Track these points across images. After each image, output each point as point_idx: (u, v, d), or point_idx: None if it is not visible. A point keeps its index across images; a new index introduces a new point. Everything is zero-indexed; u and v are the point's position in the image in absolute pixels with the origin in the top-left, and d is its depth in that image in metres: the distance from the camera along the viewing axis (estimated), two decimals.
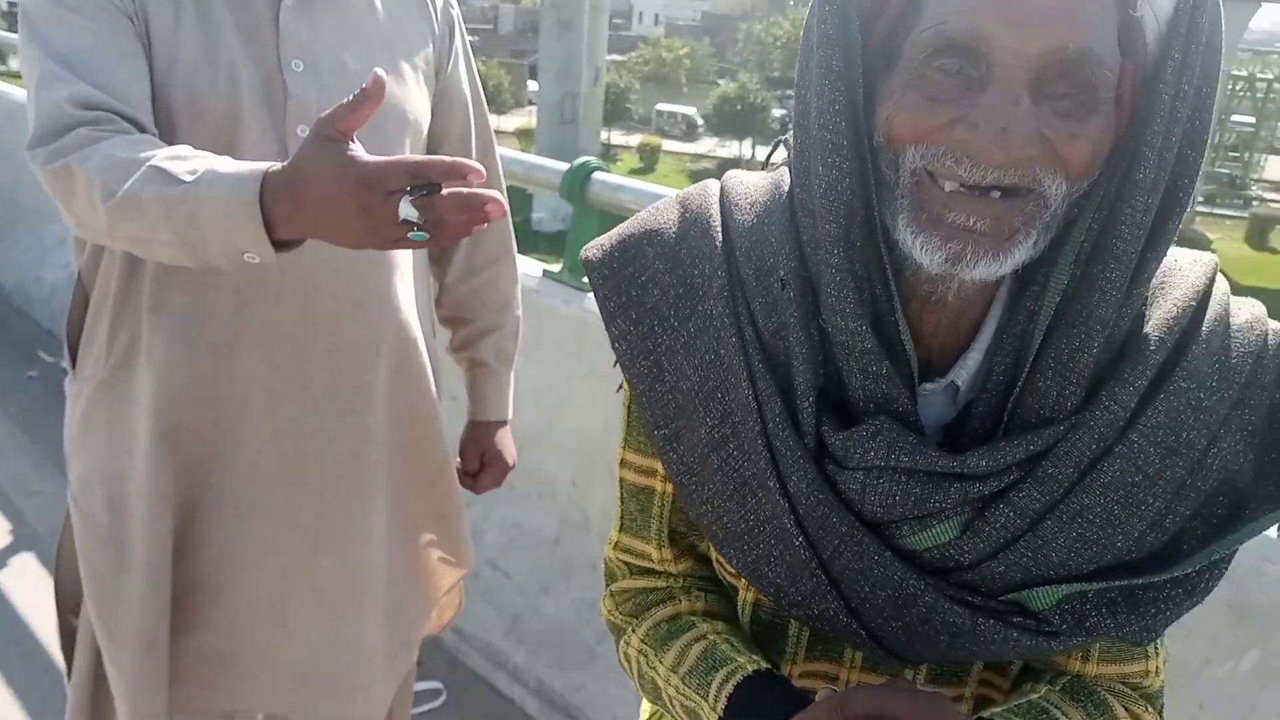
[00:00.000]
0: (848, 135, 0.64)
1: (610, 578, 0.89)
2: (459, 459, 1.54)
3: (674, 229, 0.74)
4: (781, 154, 0.78)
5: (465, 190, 0.81)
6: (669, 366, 0.72)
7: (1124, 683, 0.76)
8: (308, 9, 1.18)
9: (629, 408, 0.81)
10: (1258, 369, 0.66)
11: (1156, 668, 0.76)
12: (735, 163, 40.55)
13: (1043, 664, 0.77)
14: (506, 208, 1.47)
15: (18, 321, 4.41)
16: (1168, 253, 0.68)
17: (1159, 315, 0.66)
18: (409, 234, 0.82)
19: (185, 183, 0.91)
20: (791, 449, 0.68)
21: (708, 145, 44.36)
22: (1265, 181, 41.39)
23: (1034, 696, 0.72)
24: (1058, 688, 0.74)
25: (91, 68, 1.04)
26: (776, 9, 74.75)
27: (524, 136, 37.62)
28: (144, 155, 0.95)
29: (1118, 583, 0.66)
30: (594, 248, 0.77)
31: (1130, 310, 0.64)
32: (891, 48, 0.63)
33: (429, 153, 1.34)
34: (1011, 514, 0.65)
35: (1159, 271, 0.68)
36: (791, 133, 0.71)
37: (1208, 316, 0.66)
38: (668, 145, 41.85)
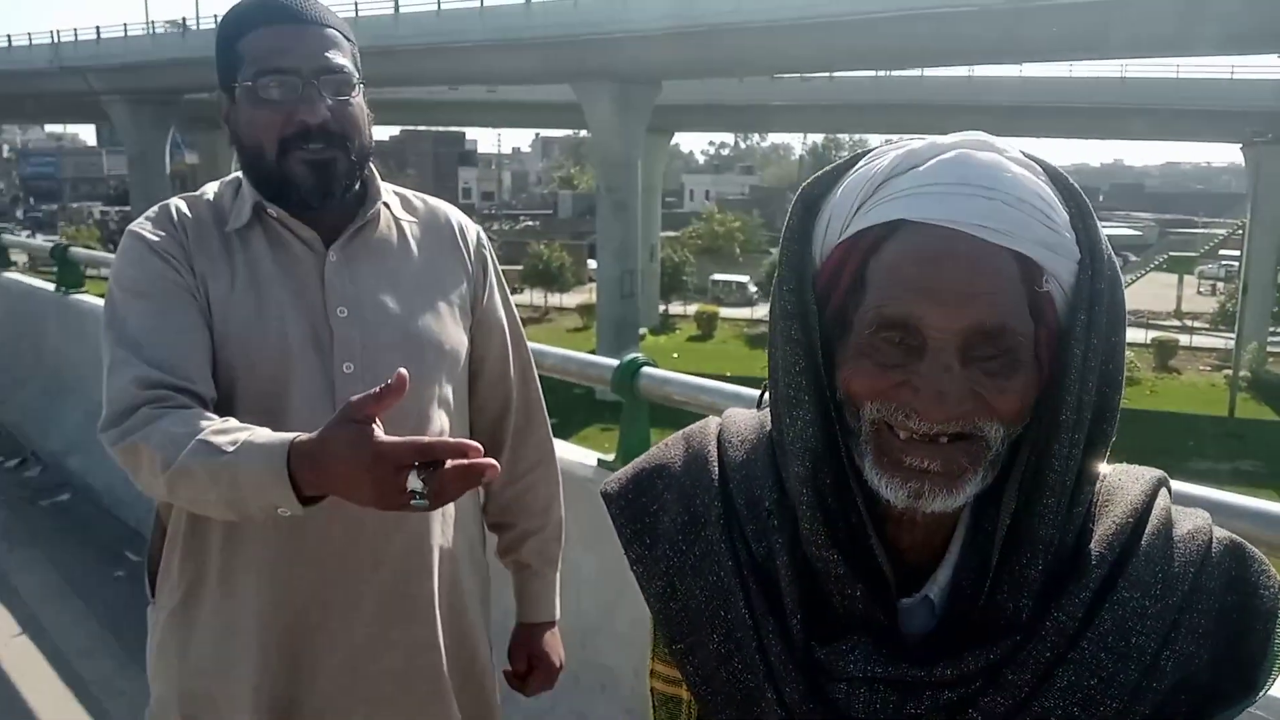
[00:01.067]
0: (809, 391, 0.76)
1: None
2: (507, 662, 1.59)
3: (679, 463, 0.86)
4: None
5: (465, 463, 0.94)
6: (680, 587, 0.81)
7: None
8: (350, 262, 1.35)
9: (654, 623, 0.88)
10: (1201, 575, 0.73)
11: None
12: None
13: None
14: (548, 421, 1.58)
15: (106, 522, 4.61)
16: (1115, 472, 0.78)
17: (1101, 531, 0.74)
18: (412, 501, 0.96)
19: (227, 453, 1.08)
20: (784, 663, 0.76)
21: (763, 310, 45.17)
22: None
23: None
24: None
25: (155, 347, 1.23)
26: None
27: (585, 312, 38.83)
28: (193, 429, 1.12)
29: None
30: (612, 482, 0.88)
31: (1073, 528, 0.73)
32: (844, 317, 0.75)
33: (471, 375, 1.48)
34: (980, 718, 0.71)
35: (1104, 490, 0.77)
36: (768, 385, 0.83)
37: (1148, 530, 0.74)
38: (725, 312, 42.75)
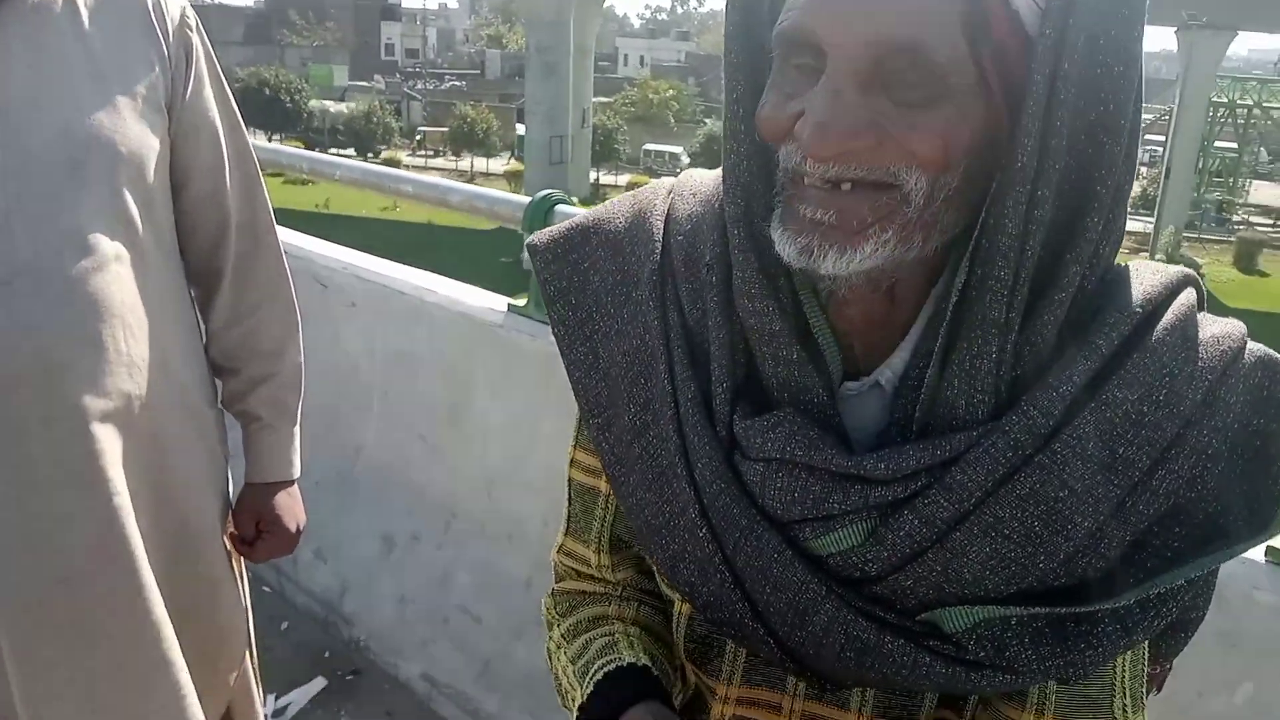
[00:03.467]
0: (744, 121, 0.64)
1: (557, 579, 0.88)
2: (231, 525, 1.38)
3: (622, 219, 0.74)
4: None
5: None
6: (603, 353, 0.71)
7: None
8: None
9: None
10: (1220, 387, 0.60)
11: None
12: None
13: (995, 716, 0.71)
14: (280, 246, 1.34)
15: None
16: (1135, 264, 0.64)
17: (1098, 322, 0.61)
18: None
19: None
20: (700, 436, 0.66)
21: None
22: (1251, 206, 41.83)
23: None
24: None
25: None
26: None
27: (513, 179, 37.87)
28: None
29: (1041, 609, 0.60)
30: (541, 234, 0.77)
31: (1050, 316, 0.60)
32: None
33: (174, 187, 1.22)
34: (917, 521, 0.60)
35: (1114, 281, 0.63)
36: None
37: (1160, 325, 0.61)
38: None
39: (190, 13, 1.23)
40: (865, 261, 0.58)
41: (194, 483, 1.27)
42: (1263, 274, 32.76)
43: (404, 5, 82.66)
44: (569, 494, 0.83)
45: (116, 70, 1.12)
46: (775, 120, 0.60)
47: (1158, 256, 30.59)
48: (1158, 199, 33.68)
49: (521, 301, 2.39)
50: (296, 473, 1.42)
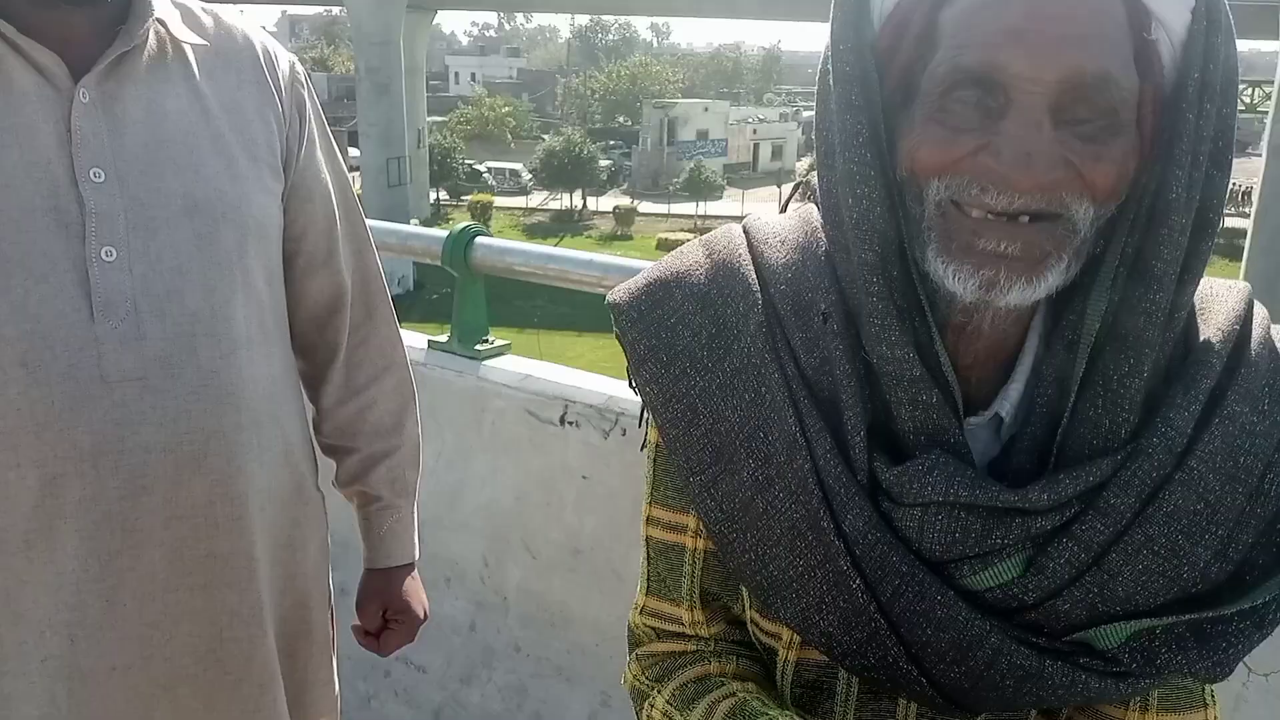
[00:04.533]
0: (874, 165, 0.63)
1: (636, 643, 0.85)
2: (356, 616, 1.31)
3: (702, 271, 0.73)
4: (795, 201, 0.79)
5: None
6: (704, 409, 0.70)
7: None
8: (110, 104, 0.97)
9: (654, 460, 0.77)
10: None
11: (1215, 717, 0.74)
12: (568, 214, 40.93)
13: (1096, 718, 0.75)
14: (394, 313, 1.28)
15: None
16: (1203, 281, 0.68)
17: (1204, 339, 0.65)
18: None
19: None
20: (845, 486, 0.65)
21: (539, 199, 44.58)
22: None
23: None
24: None
25: None
26: (589, 62, 76.48)
27: None
28: None
29: (1186, 616, 0.64)
30: (621, 292, 0.75)
31: (1172, 334, 0.64)
32: (910, 83, 0.63)
33: (287, 257, 1.13)
34: (1076, 548, 0.63)
35: (1196, 297, 0.68)
36: (816, 173, 0.70)
37: (1253, 339, 0.66)
38: (499, 201, 41.76)
39: (298, 66, 1.16)
40: (1045, 290, 0.61)
41: (311, 576, 1.19)
42: None
43: None
44: (647, 553, 0.81)
45: (235, 131, 1.05)
46: (948, 154, 0.60)
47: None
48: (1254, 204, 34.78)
49: (443, 338, 2.34)
50: (417, 554, 1.31)
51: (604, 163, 43.07)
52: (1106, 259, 0.63)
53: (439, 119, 48.58)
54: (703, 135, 48.87)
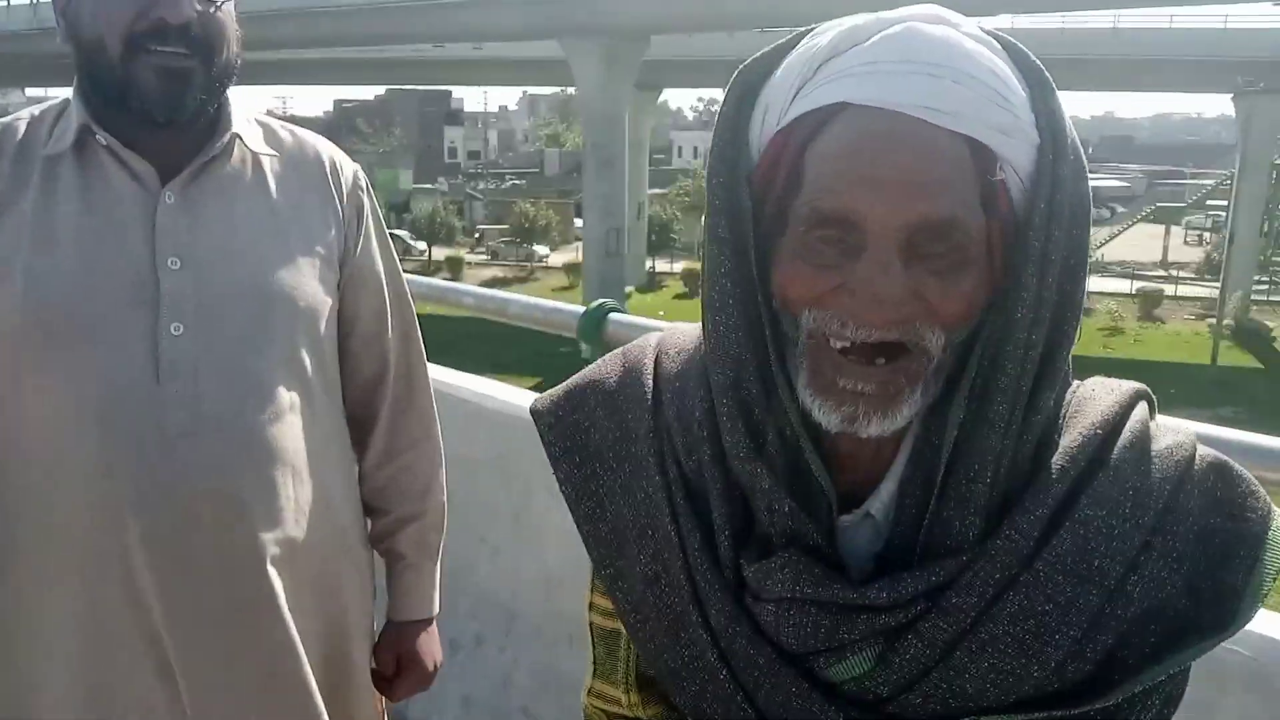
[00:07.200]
0: (733, 295, 0.69)
1: None
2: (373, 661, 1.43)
3: (614, 378, 0.80)
4: None
5: None
6: (609, 506, 0.77)
7: None
8: (191, 205, 1.16)
9: None
10: (1179, 494, 0.66)
11: None
12: None
13: None
14: (431, 389, 1.43)
15: None
16: (1090, 383, 0.71)
17: (1065, 444, 0.67)
18: None
19: None
20: (710, 582, 0.70)
21: None
22: None
23: None
24: None
25: None
26: None
27: (572, 270, 38.60)
28: None
29: (1038, 714, 0.65)
30: (543, 398, 0.83)
31: (1030, 439, 0.66)
32: (784, 212, 0.68)
33: (342, 338, 1.31)
34: (921, 645, 0.65)
35: (1074, 401, 0.70)
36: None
37: (1120, 443, 0.67)
38: None
39: (361, 175, 1.36)
40: (904, 420, 0.65)
41: (352, 621, 1.35)
42: None
43: (466, 110, 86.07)
44: (591, 638, 0.87)
45: (298, 230, 1.24)
46: (811, 289, 0.65)
47: (1225, 323, 29.83)
48: (1222, 265, 32.99)
49: None
50: (436, 610, 1.46)
51: None
52: (965, 375, 0.66)
53: (659, 191, 50.26)
54: None
